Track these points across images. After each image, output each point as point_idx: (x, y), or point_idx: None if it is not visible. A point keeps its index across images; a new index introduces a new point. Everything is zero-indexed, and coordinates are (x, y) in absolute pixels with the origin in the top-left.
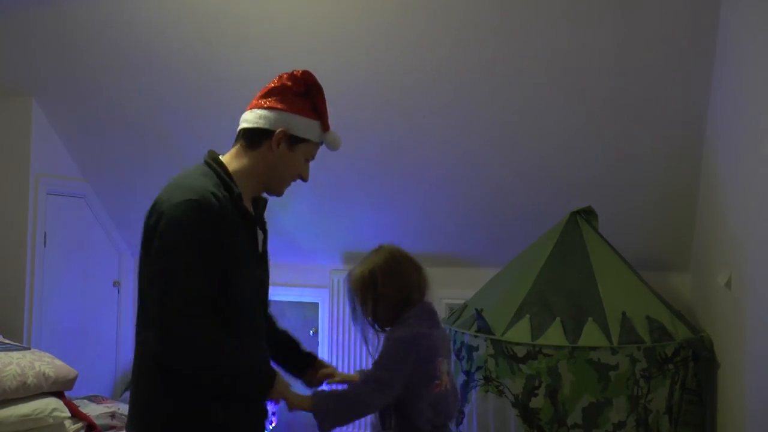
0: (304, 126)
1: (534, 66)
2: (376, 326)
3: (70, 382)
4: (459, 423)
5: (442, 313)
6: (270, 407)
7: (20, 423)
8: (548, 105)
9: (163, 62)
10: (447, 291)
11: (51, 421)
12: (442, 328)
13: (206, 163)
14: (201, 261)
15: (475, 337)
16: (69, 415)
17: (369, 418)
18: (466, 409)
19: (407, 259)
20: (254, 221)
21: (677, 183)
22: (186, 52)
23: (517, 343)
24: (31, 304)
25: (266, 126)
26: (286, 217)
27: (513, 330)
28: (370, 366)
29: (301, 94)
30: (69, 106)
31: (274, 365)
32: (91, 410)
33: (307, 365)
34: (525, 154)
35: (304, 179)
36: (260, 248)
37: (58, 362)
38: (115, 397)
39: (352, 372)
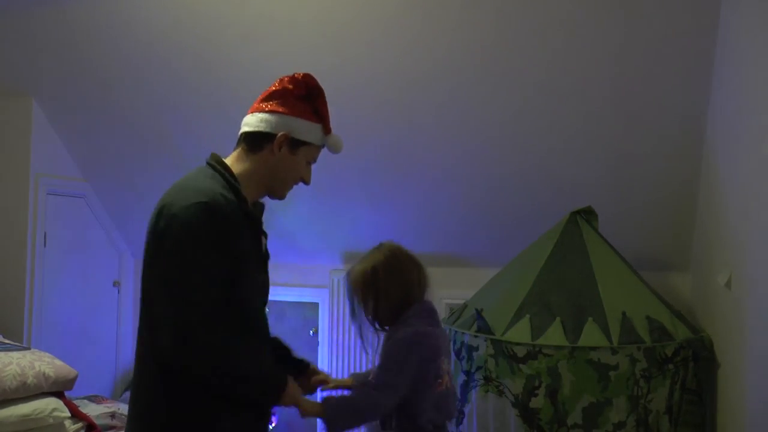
0: (305, 129)
1: (534, 66)
2: (376, 325)
3: (70, 382)
4: (459, 423)
5: (442, 313)
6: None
7: (20, 423)
8: (549, 105)
9: (163, 62)
10: (447, 291)
11: (51, 421)
12: (442, 327)
13: (211, 165)
14: (214, 264)
15: (475, 337)
16: (69, 415)
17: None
18: (466, 409)
19: (408, 257)
20: (258, 224)
21: (677, 183)
22: (186, 52)
23: (517, 343)
24: (31, 304)
25: (268, 129)
26: (286, 217)
27: (513, 330)
28: (367, 367)
29: (302, 97)
30: (69, 106)
31: None
32: (91, 410)
33: (299, 372)
34: (525, 154)
35: (306, 182)
36: (263, 251)
37: (58, 362)
38: (115, 397)
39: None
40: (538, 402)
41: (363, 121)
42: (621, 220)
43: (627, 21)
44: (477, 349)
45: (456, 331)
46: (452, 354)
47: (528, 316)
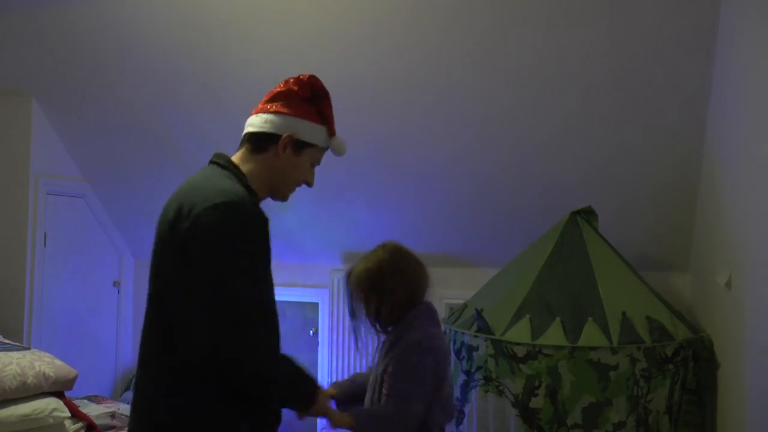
0: (310, 131)
1: (535, 66)
2: (377, 326)
3: (70, 382)
4: (459, 423)
5: (442, 313)
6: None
7: (20, 423)
8: (549, 105)
9: (163, 62)
10: (447, 291)
11: (51, 421)
12: (442, 328)
13: (220, 165)
14: (252, 265)
15: (475, 337)
16: (69, 415)
17: None
18: (466, 409)
19: (412, 257)
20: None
21: (677, 183)
22: (186, 52)
23: (517, 343)
24: (31, 304)
25: (272, 130)
26: (286, 217)
27: (513, 330)
28: (367, 367)
29: (307, 98)
30: (69, 106)
31: None
32: (91, 410)
33: None
34: (525, 154)
35: (310, 184)
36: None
37: (58, 362)
38: (115, 397)
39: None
40: (538, 402)
41: (363, 121)
42: (621, 220)
43: (627, 21)
44: (477, 349)
45: (456, 331)
46: (452, 354)
47: (528, 316)
